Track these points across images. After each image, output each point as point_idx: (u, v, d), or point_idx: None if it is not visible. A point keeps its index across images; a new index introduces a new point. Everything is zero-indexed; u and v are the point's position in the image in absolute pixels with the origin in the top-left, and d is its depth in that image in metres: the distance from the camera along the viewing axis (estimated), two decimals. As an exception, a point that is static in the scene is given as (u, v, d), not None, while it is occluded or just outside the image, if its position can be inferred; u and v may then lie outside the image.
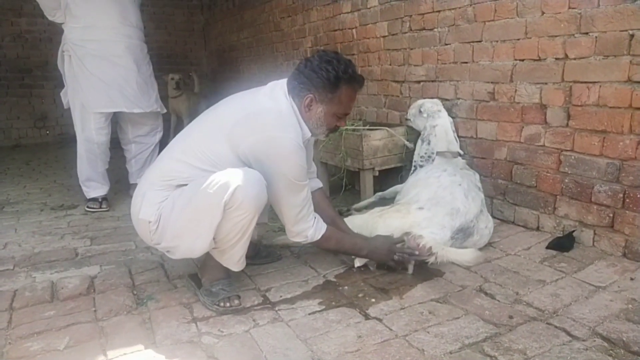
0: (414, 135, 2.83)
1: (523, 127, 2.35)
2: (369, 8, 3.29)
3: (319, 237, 1.78)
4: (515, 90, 2.36)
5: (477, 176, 2.40)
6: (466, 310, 1.63)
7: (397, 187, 2.65)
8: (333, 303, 1.72)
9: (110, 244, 2.44)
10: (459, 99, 2.70)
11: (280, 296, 1.79)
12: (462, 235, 2.05)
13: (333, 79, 1.66)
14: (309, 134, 1.76)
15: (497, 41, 2.42)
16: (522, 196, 2.42)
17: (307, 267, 2.06)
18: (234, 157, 1.65)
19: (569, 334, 1.46)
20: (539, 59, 2.22)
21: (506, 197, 2.50)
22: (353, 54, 3.51)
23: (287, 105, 1.70)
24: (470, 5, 2.52)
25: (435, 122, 2.60)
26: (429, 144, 2.58)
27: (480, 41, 2.50)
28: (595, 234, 2.10)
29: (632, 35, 1.86)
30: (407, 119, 2.84)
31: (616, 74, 1.93)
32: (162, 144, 2.01)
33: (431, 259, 1.85)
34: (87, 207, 3.08)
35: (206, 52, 7.11)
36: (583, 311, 1.58)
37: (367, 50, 3.41)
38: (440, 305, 1.67)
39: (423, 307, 1.66)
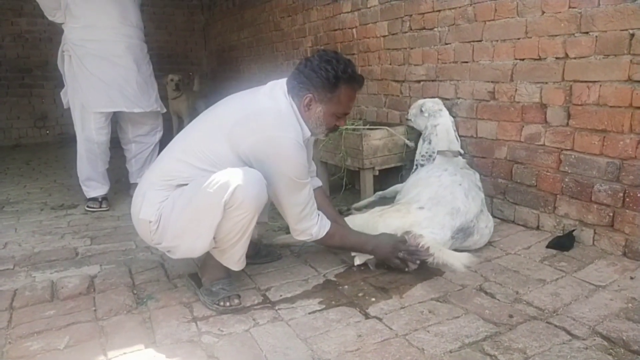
0: (415, 134, 2.83)
1: (523, 126, 2.35)
2: (369, 8, 3.29)
3: (324, 234, 1.78)
4: (516, 90, 2.36)
5: (477, 175, 2.40)
6: (466, 310, 1.63)
7: (397, 186, 2.65)
8: (333, 302, 1.72)
9: (111, 243, 2.44)
10: (459, 98, 2.70)
11: (280, 295, 1.79)
12: (462, 234, 2.05)
13: (332, 78, 1.66)
14: (309, 134, 1.76)
15: (497, 41, 2.41)
16: (522, 195, 2.42)
17: (307, 267, 2.06)
18: (234, 157, 1.65)
19: (569, 333, 1.46)
20: (539, 59, 2.22)
21: (506, 197, 2.50)
22: (353, 54, 3.51)
23: (287, 104, 1.70)
24: (471, 4, 2.52)
25: (437, 121, 2.60)
26: (429, 143, 2.58)
27: (480, 41, 2.50)
28: (595, 233, 2.10)
29: (632, 35, 1.86)
30: (407, 119, 2.84)
31: (616, 73, 1.93)
32: (163, 144, 2.01)
33: (429, 259, 1.86)
34: (87, 206, 3.08)
35: (206, 51, 7.12)
36: (583, 310, 1.58)
37: (367, 49, 3.41)
38: (440, 305, 1.67)
39: (423, 306, 1.66)
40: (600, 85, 1.99)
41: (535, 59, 2.24)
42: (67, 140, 5.66)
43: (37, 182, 3.98)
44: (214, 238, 1.61)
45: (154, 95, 3.21)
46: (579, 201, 2.14)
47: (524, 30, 2.27)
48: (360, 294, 1.78)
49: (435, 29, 2.78)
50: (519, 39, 2.30)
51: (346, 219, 2.07)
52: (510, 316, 1.57)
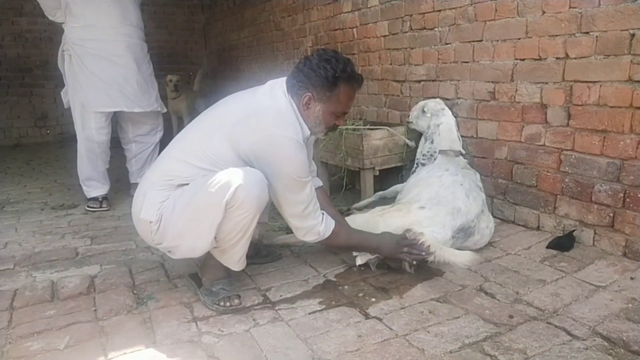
0: (415, 134, 2.83)
1: (523, 126, 2.35)
2: (370, 7, 3.29)
3: (330, 232, 1.77)
4: (516, 90, 2.35)
5: (478, 176, 2.40)
6: (466, 310, 1.63)
7: (398, 186, 2.65)
8: (333, 302, 1.72)
9: (111, 243, 2.44)
10: (459, 98, 2.70)
11: (281, 295, 1.79)
12: (463, 234, 2.05)
13: (331, 77, 1.66)
14: (308, 132, 1.75)
15: (497, 41, 2.41)
16: (522, 196, 2.42)
17: (307, 267, 2.06)
18: (235, 156, 1.65)
19: (569, 333, 1.46)
20: (540, 59, 2.22)
21: (506, 197, 2.50)
22: (353, 54, 3.51)
23: (286, 103, 1.70)
24: (471, 4, 2.52)
25: (440, 121, 2.60)
26: (432, 142, 2.58)
27: (480, 41, 2.50)
28: (595, 233, 2.10)
29: (632, 35, 1.86)
30: (408, 122, 2.83)
31: (617, 73, 1.93)
32: (163, 144, 2.01)
33: (430, 258, 1.86)
34: (88, 206, 3.08)
35: (206, 51, 7.11)
36: (583, 310, 1.58)
37: (367, 49, 3.40)
38: (440, 305, 1.67)
39: (423, 307, 1.66)
40: (601, 86, 1.99)
41: (535, 59, 2.24)
42: (67, 140, 5.66)
43: (38, 181, 3.98)
44: (215, 238, 1.61)
45: (154, 94, 3.21)
46: (579, 201, 2.14)
47: (524, 30, 2.27)
48: (360, 294, 1.78)
49: (436, 29, 2.78)
50: (519, 39, 2.30)
51: (347, 218, 2.07)
52: (511, 316, 1.57)
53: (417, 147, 2.74)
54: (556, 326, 1.50)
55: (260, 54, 5.21)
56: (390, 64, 3.20)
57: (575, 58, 2.08)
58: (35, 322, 1.63)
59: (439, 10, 2.72)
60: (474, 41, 2.54)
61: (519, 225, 2.43)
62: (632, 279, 1.80)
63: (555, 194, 2.25)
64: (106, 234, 2.59)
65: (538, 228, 2.35)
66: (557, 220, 2.26)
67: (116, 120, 3.24)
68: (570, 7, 2.07)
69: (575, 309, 1.60)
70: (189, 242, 1.64)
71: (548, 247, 2.13)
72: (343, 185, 3.11)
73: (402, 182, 2.69)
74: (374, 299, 1.73)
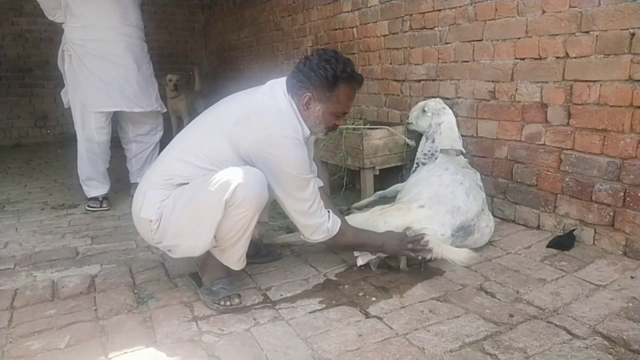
0: (415, 134, 2.83)
1: (524, 125, 2.35)
2: (370, 7, 3.29)
3: (337, 229, 1.76)
4: (516, 89, 2.35)
5: (478, 175, 2.40)
6: (466, 309, 1.63)
7: (398, 186, 2.65)
8: (333, 302, 1.73)
9: (111, 243, 2.44)
10: (459, 97, 2.70)
11: (281, 295, 1.79)
12: (462, 233, 2.05)
13: (331, 77, 1.65)
14: (308, 132, 1.75)
15: (497, 40, 2.41)
16: (522, 195, 2.42)
17: (307, 266, 2.06)
18: (235, 156, 1.65)
19: (569, 332, 1.46)
20: (540, 58, 2.22)
21: (507, 196, 2.50)
22: (353, 53, 3.51)
23: (286, 103, 1.70)
24: (471, 4, 2.52)
25: (441, 119, 2.60)
26: (433, 141, 2.58)
27: (480, 40, 2.50)
28: (595, 232, 2.10)
29: (632, 34, 1.86)
30: (408, 123, 2.82)
31: (617, 72, 1.93)
32: (164, 143, 2.01)
33: (429, 255, 1.86)
34: (88, 206, 3.08)
35: (207, 51, 7.12)
36: (583, 310, 1.58)
37: (367, 49, 3.40)
38: (440, 304, 1.67)
39: (423, 306, 1.66)
40: (601, 85, 1.99)
41: (535, 59, 2.24)
42: (67, 140, 5.65)
43: (38, 181, 3.98)
44: (215, 237, 1.62)
45: (154, 94, 3.21)
46: (579, 201, 2.14)
47: (524, 29, 2.27)
48: (360, 294, 1.78)
49: (436, 29, 2.78)
50: (519, 38, 2.30)
51: (347, 218, 2.07)
52: (511, 315, 1.57)
53: (417, 146, 2.74)
54: (556, 325, 1.50)
55: (260, 54, 5.21)
56: (390, 64, 3.20)
57: (575, 57, 2.08)
58: (35, 321, 1.63)
59: (439, 10, 2.72)
60: (474, 41, 2.54)
61: (519, 224, 2.43)
62: (632, 278, 1.80)
63: (555, 193, 2.25)
64: (106, 234, 2.59)
65: (538, 227, 2.35)
66: (557, 220, 2.26)
67: (116, 120, 3.24)
68: (570, 7, 2.07)
69: (576, 308, 1.60)
70: (189, 241, 1.64)
71: (548, 246, 2.13)
72: (343, 185, 3.11)
73: (402, 181, 2.69)
74: (374, 298, 1.74)
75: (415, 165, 2.66)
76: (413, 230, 1.90)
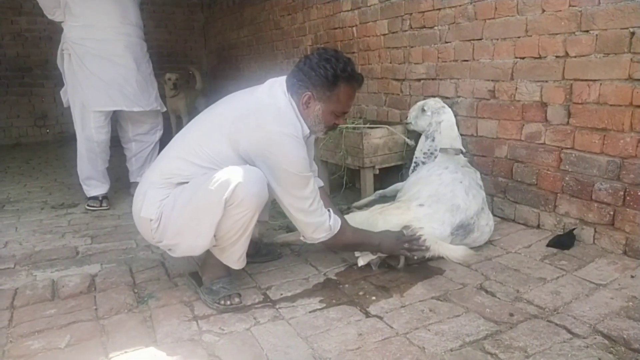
0: (413, 135, 2.83)
1: (523, 125, 2.35)
2: (369, 6, 3.28)
3: (338, 227, 1.76)
4: (516, 88, 2.35)
5: (478, 174, 2.41)
6: (467, 308, 1.63)
7: (398, 185, 2.65)
8: (334, 301, 1.73)
9: (111, 242, 2.44)
10: (459, 97, 2.69)
11: (281, 294, 1.79)
12: (462, 231, 2.05)
13: (331, 77, 1.65)
14: (308, 131, 1.75)
15: (497, 39, 2.41)
16: (522, 194, 2.42)
17: (307, 265, 2.06)
18: (235, 155, 1.65)
19: (569, 331, 1.46)
20: (540, 57, 2.22)
21: (507, 195, 2.50)
22: (353, 52, 3.51)
23: (286, 102, 1.70)
24: (471, 3, 2.52)
25: (441, 118, 2.60)
26: (433, 140, 2.58)
27: (480, 39, 2.50)
28: (595, 231, 2.10)
29: (632, 33, 1.86)
30: (406, 123, 2.82)
31: (617, 71, 1.93)
32: (163, 143, 2.01)
33: (427, 254, 1.86)
34: (88, 205, 3.08)
35: (206, 50, 7.11)
36: (584, 309, 1.58)
37: (367, 48, 3.40)
38: (440, 303, 1.67)
39: (423, 305, 1.67)
40: (601, 84, 1.99)
41: (535, 58, 2.24)
42: (67, 139, 5.65)
43: (38, 181, 3.98)
44: (215, 236, 1.61)
45: (153, 94, 3.21)
46: (579, 200, 2.14)
47: (524, 28, 2.27)
48: (360, 293, 1.78)
49: (436, 28, 2.77)
50: (519, 37, 2.30)
51: (346, 216, 2.07)
52: (511, 315, 1.57)
53: (416, 145, 2.74)
54: (557, 324, 1.50)
55: (260, 53, 5.21)
56: (390, 63, 3.20)
57: (575, 56, 2.08)
58: (35, 321, 1.63)
59: (439, 9, 2.72)
60: (473, 40, 2.54)
61: (519, 223, 2.44)
62: (632, 277, 1.80)
63: (555, 192, 2.25)
64: (106, 233, 2.59)
65: (538, 226, 2.35)
66: (557, 219, 2.26)
67: (116, 119, 3.24)
68: (570, 6, 2.07)
69: (576, 307, 1.60)
70: (189, 240, 1.64)
71: (548, 245, 2.13)
72: (343, 184, 3.11)
73: (402, 180, 2.69)
74: (374, 298, 1.74)
75: (413, 164, 2.66)
76: (412, 229, 1.90)
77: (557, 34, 2.13)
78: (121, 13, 2.99)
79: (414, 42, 2.95)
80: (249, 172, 1.58)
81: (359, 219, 2.09)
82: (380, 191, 2.74)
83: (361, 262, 1.96)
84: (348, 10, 3.53)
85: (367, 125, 2.93)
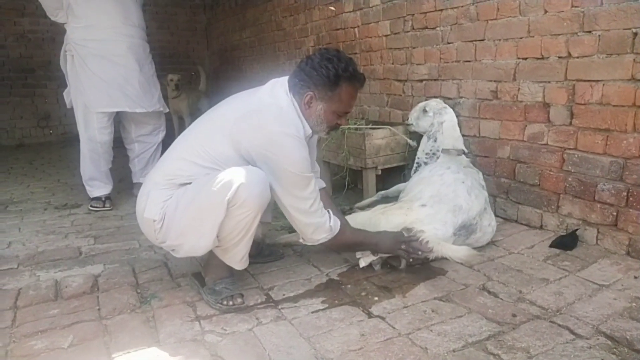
0: (414, 136, 2.83)
1: (526, 125, 2.35)
2: (371, 7, 3.29)
3: (339, 228, 1.77)
4: (518, 89, 2.35)
5: (481, 174, 2.40)
6: (469, 309, 1.63)
7: (400, 185, 2.65)
8: (336, 301, 1.73)
9: (114, 242, 2.44)
10: (461, 97, 2.69)
11: (284, 295, 1.80)
12: (464, 231, 2.05)
13: (333, 77, 1.65)
14: (310, 131, 1.75)
15: (499, 40, 2.41)
16: (525, 195, 2.41)
17: (310, 266, 2.06)
18: (237, 156, 1.65)
19: (572, 332, 1.46)
20: (542, 58, 2.22)
21: (509, 196, 2.50)
22: (355, 53, 3.51)
23: (288, 102, 1.70)
24: (473, 4, 2.52)
25: (443, 118, 2.60)
26: (435, 141, 2.58)
27: (483, 40, 2.50)
28: (598, 232, 2.10)
29: (635, 34, 1.86)
30: (408, 124, 2.82)
31: (619, 72, 1.92)
32: (166, 144, 2.02)
33: (431, 256, 1.86)
34: (91, 206, 3.09)
35: (208, 51, 7.12)
36: (586, 309, 1.58)
37: (369, 49, 3.40)
38: (443, 304, 1.67)
39: (426, 306, 1.66)
40: (604, 85, 1.99)
41: (538, 58, 2.24)
42: (70, 140, 5.67)
43: (41, 181, 3.99)
44: (217, 237, 1.62)
45: (156, 95, 3.22)
46: (582, 200, 2.14)
47: (526, 29, 2.27)
48: (363, 293, 1.78)
49: (438, 28, 2.77)
50: (521, 38, 2.30)
51: (348, 217, 2.07)
52: (514, 315, 1.57)
53: (418, 146, 2.74)
54: (559, 325, 1.50)
55: (262, 54, 5.21)
56: (392, 64, 3.20)
57: (577, 57, 2.07)
58: (39, 321, 1.64)
59: (441, 10, 2.72)
60: (476, 40, 2.54)
61: (521, 224, 2.43)
62: (635, 277, 1.79)
63: (558, 193, 2.25)
64: (109, 234, 2.60)
65: (541, 227, 2.35)
66: (560, 219, 2.26)
67: (119, 120, 3.24)
68: (572, 6, 2.06)
69: (579, 308, 1.59)
70: (192, 240, 1.64)
71: (551, 246, 2.13)
72: (345, 185, 3.10)
73: (404, 181, 2.69)
74: (376, 298, 1.74)
75: (415, 165, 2.66)
76: (414, 231, 1.90)
77: (559, 34, 2.13)
78: (123, 14, 3.00)
79: (416, 43, 2.95)
80: (252, 172, 1.58)
81: (361, 219, 2.09)
82: (383, 192, 2.74)
83: (362, 264, 1.96)
84: (350, 12, 3.53)
85: (370, 126, 2.93)
